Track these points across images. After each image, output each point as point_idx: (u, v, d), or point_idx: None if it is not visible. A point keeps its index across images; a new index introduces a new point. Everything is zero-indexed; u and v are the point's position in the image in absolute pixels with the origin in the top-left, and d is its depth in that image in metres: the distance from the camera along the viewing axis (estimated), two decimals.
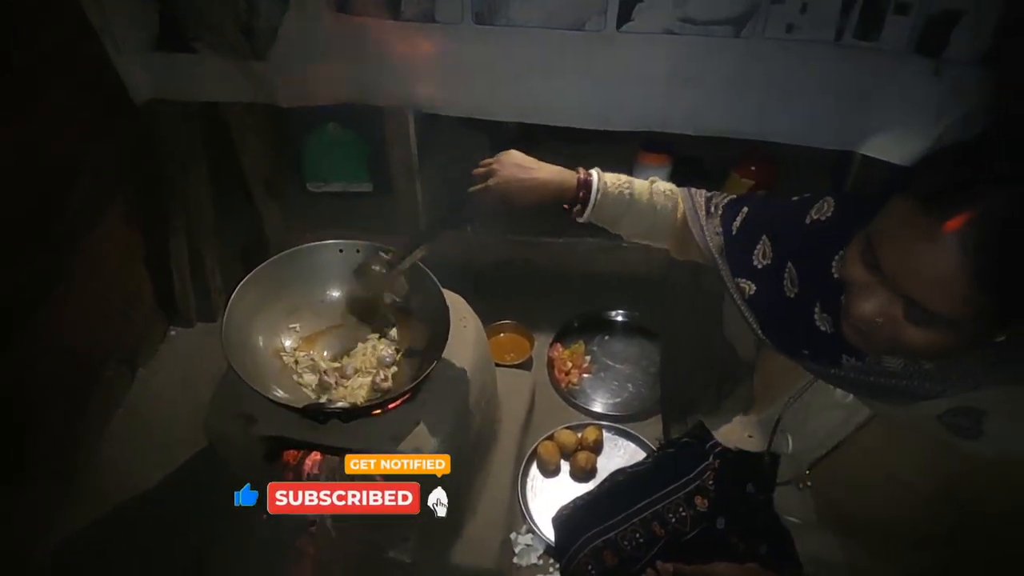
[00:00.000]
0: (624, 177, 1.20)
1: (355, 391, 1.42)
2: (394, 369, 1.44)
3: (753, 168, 2.00)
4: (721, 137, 1.65)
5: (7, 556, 1.64)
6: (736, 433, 1.30)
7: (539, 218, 2.13)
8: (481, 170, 1.27)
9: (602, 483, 1.42)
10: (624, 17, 1.51)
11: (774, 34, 1.50)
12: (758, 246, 1.06)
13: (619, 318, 2.18)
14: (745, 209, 1.11)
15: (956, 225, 0.69)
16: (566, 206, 1.20)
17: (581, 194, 1.18)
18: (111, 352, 1.92)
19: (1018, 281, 0.69)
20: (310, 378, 1.44)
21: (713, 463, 1.30)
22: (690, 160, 2.04)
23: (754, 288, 1.05)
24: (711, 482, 1.28)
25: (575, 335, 2.13)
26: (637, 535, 1.26)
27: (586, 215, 1.19)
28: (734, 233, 1.10)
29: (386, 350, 1.47)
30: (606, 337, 2.14)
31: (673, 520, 1.26)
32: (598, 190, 1.17)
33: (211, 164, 1.96)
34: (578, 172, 1.19)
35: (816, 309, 0.96)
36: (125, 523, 1.74)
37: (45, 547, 1.70)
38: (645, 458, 1.43)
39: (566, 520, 1.38)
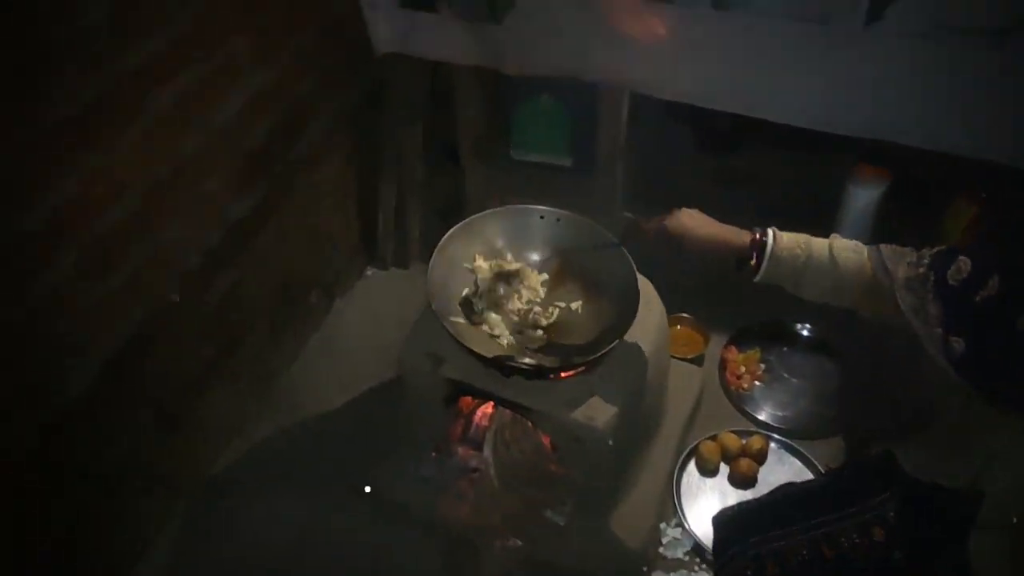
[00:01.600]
0: (803, 237, 1.21)
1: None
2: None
3: (984, 196, 1.84)
4: (954, 158, 1.53)
5: (206, 449, 1.85)
6: (932, 466, 1.22)
7: (738, 217, 2.09)
8: (652, 224, 1.33)
9: (772, 491, 1.37)
10: (875, 15, 1.43)
11: None
12: (985, 287, 0.99)
13: (802, 331, 2.08)
14: (963, 258, 1.03)
15: None
16: (739, 265, 1.24)
17: (755, 254, 1.21)
18: (315, 280, 2.10)
19: None
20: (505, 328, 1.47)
21: (896, 494, 1.23)
22: (912, 181, 1.90)
23: (963, 345, 0.99)
24: (892, 513, 1.21)
25: (753, 340, 2.07)
26: (804, 551, 1.21)
27: (759, 276, 1.22)
28: (950, 282, 1.03)
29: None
30: (785, 348, 2.06)
31: (845, 544, 1.20)
32: (772, 251, 1.19)
33: (429, 120, 2.07)
34: (753, 232, 1.23)
35: None
36: (306, 437, 1.89)
37: (238, 447, 1.88)
38: (818, 476, 1.37)
39: (730, 520, 1.35)
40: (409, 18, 1.77)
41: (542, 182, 2.23)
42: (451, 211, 2.03)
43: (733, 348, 2.04)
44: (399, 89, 1.97)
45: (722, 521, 1.37)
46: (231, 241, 1.70)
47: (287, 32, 1.70)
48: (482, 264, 1.52)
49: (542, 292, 1.54)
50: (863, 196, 1.91)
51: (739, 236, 1.25)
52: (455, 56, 1.80)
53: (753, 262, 1.22)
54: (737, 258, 1.25)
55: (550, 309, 1.51)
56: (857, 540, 1.20)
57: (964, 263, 1.03)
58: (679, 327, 2.08)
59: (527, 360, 1.39)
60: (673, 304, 2.03)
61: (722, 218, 1.40)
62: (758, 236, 1.22)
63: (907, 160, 1.70)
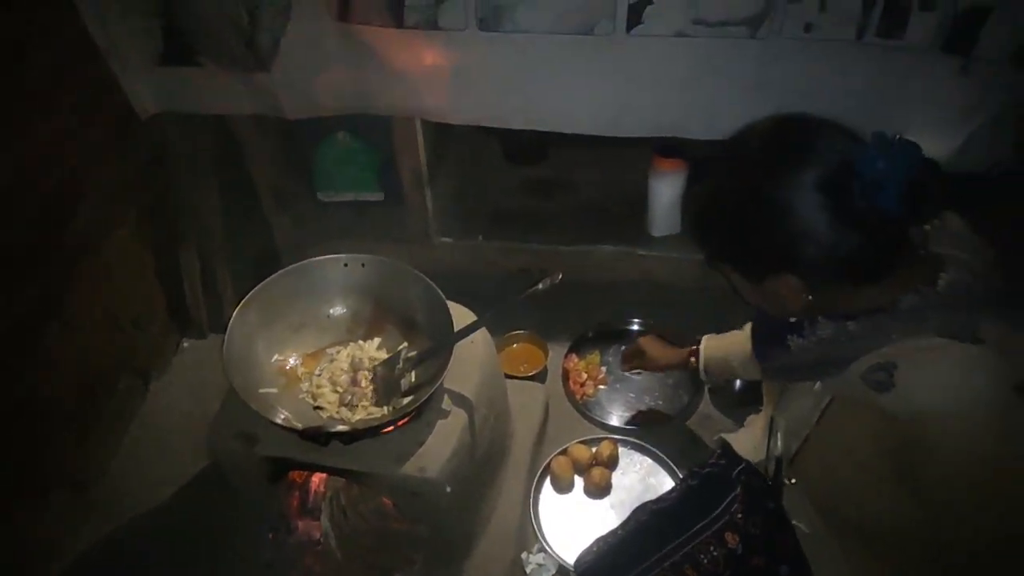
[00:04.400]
0: (728, 338, 1.51)
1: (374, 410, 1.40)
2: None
3: None
4: None
5: (26, 570, 1.64)
6: (746, 443, 1.27)
7: (556, 225, 2.11)
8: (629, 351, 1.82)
9: (626, 522, 1.35)
10: (634, 21, 1.45)
11: (792, 34, 1.43)
12: None
13: (636, 327, 2.12)
14: None
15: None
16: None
17: (694, 364, 1.58)
18: (124, 365, 1.92)
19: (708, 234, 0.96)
20: (332, 396, 1.42)
21: (739, 493, 1.25)
22: (707, 164, 1.97)
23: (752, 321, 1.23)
24: (739, 515, 1.23)
25: (590, 345, 2.08)
26: None
27: (705, 381, 1.67)
28: None
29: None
30: (622, 347, 2.07)
31: (705, 561, 1.19)
32: (702, 366, 1.57)
33: (221, 177, 1.95)
34: (690, 350, 1.60)
35: None
36: (137, 536, 1.73)
37: (62, 559, 1.70)
38: (669, 491, 1.38)
39: (590, 566, 1.32)
40: (173, 75, 1.65)
41: (358, 220, 2.15)
42: (265, 265, 1.91)
43: (573, 356, 2.04)
44: (177, 150, 1.83)
45: (583, 567, 1.34)
46: (9, 346, 1.52)
47: (35, 114, 1.53)
48: (325, 385, 1.44)
49: (383, 354, 1.48)
50: (664, 188, 1.96)
51: (680, 355, 1.63)
52: (229, 108, 1.70)
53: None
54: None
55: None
56: (715, 552, 1.20)
57: None
58: (516, 345, 2.06)
59: (340, 426, 1.32)
60: (506, 323, 2.03)
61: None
62: (692, 355, 1.59)
63: (698, 148, 1.76)
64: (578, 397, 1.96)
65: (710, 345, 1.56)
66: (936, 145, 1.47)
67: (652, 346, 1.73)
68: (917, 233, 0.91)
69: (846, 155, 0.83)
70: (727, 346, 1.52)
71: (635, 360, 1.78)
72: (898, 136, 0.83)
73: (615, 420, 1.91)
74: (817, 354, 0.95)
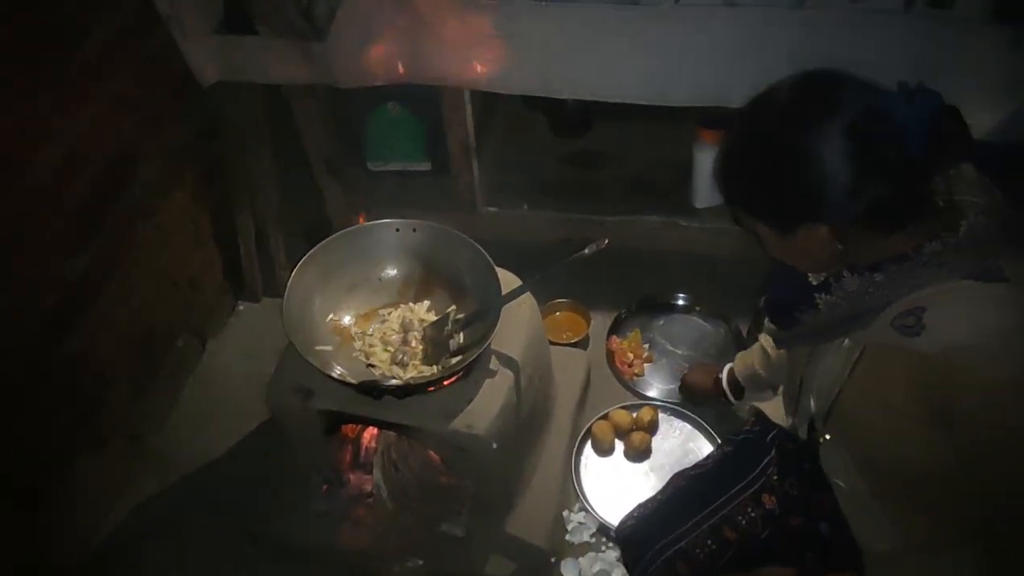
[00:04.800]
0: (749, 356, 1.57)
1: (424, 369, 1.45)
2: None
3: None
4: None
5: (85, 517, 1.74)
6: (779, 410, 1.29)
7: (599, 196, 2.13)
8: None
9: (664, 488, 1.39)
10: None
11: (839, 3, 1.43)
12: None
13: (675, 301, 2.13)
14: None
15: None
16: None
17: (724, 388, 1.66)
18: (181, 324, 2.01)
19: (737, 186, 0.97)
20: (384, 355, 1.47)
21: (774, 456, 1.28)
22: (737, 118, 1.97)
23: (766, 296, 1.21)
24: (775, 477, 1.26)
25: (630, 322, 2.10)
26: (709, 542, 1.24)
27: (734, 402, 1.68)
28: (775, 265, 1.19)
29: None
30: (662, 322, 2.10)
31: (743, 523, 1.24)
32: (726, 385, 1.65)
33: (276, 144, 2.01)
34: (717, 375, 1.69)
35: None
36: (192, 489, 1.82)
37: (120, 510, 1.79)
38: (705, 458, 1.41)
39: (632, 531, 1.36)
40: (229, 44, 1.70)
41: (405, 189, 2.21)
42: (317, 231, 1.97)
43: (614, 338, 2.06)
44: (235, 118, 1.89)
45: (625, 534, 1.38)
46: (72, 303, 1.60)
47: (96, 80, 1.59)
48: (377, 344, 1.49)
49: (432, 316, 1.52)
50: (707, 159, 1.96)
51: (712, 383, 1.72)
52: (284, 77, 1.74)
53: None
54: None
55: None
56: (753, 514, 1.24)
57: None
58: (559, 313, 2.10)
59: (394, 380, 1.37)
60: (549, 291, 2.07)
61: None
62: (719, 380, 1.67)
63: None
64: (628, 377, 1.97)
65: (736, 367, 1.62)
66: (984, 116, 1.46)
67: (694, 376, 1.82)
68: (940, 181, 0.93)
69: (871, 102, 0.84)
70: (747, 359, 1.57)
71: (683, 394, 1.89)
72: (920, 82, 0.84)
73: (657, 394, 1.94)
74: (846, 308, 0.97)
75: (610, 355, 2.03)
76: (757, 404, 1.42)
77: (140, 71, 1.70)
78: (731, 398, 1.65)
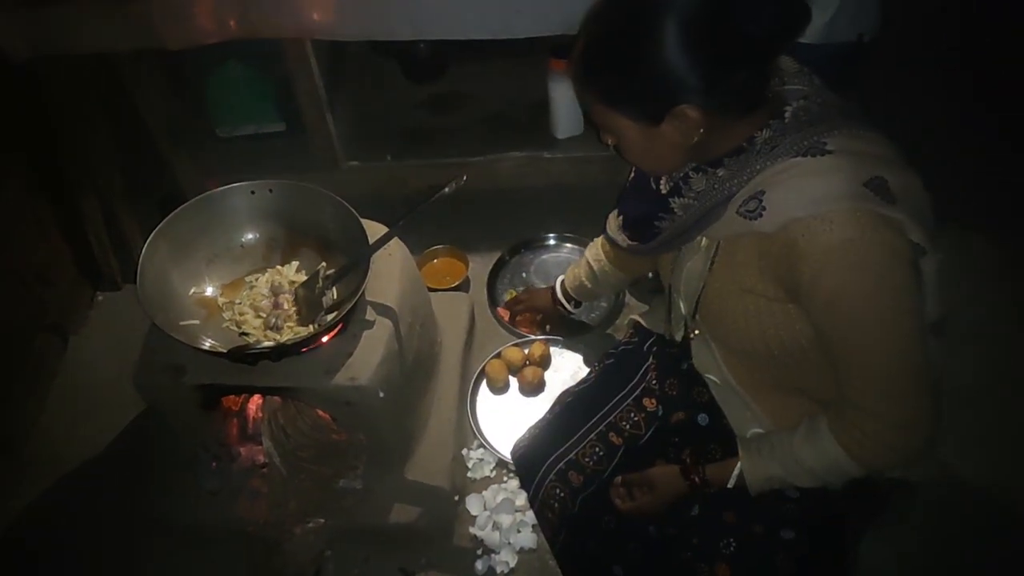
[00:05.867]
0: (574, 265, 1.64)
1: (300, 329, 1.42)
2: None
3: None
4: None
5: None
6: (656, 319, 1.35)
7: (462, 138, 2.12)
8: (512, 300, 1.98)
9: (552, 407, 1.43)
10: None
11: None
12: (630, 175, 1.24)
13: (546, 240, 2.17)
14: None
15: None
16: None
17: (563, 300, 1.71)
18: (36, 322, 1.88)
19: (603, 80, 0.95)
20: (256, 322, 1.43)
21: (652, 362, 1.34)
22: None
23: (622, 216, 1.26)
24: (654, 381, 1.32)
25: (509, 274, 2.11)
26: (597, 449, 1.29)
27: (571, 308, 1.73)
28: (626, 186, 1.25)
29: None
30: (536, 262, 2.13)
31: (627, 427, 1.30)
32: (561, 293, 1.70)
33: (111, 118, 1.88)
34: (555, 295, 1.72)
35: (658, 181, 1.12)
36: (75, 490, 1.74)
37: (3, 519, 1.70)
38: (588, 373, 1.46)
39: (524, 451, 1.39)
40: (40, 15, 1.56)
41: (260, 152, 2.12)
42: (169, 207, 1.87)
43: (500, 310, 2.02)
44: (58, 94, 1.75)
45: (519, 454, 1.41)
46: None
47: None
48: (247, 312, 1.44)
49: (302, 276, 1.48)
50: (563, 89, 1.98)
51: (550, 297, 1.76)
52: (104, 45, 1.62)
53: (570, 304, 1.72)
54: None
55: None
56: (635, 417, 1.30)
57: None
58: (436, 260, 2.10)
59: (266, 343, 1.34)
60: (425, 240, 2.06)
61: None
62: (555, 291, 1.73)
63: None
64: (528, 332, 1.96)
65: (566, 279, 1.68)
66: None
67: (532, 297, 1.87)
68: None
69: None
70: (575, 271, 1.63)
71: (520, 312, 1.94)
72: None
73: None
74: (697, 208, 1.02)
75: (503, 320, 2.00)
76: (635, 317, 1.48)
77: None
78: (567, 307, 1.71)
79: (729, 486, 1.09)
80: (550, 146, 2.09)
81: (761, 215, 0.92)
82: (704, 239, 1.06)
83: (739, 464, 1.09)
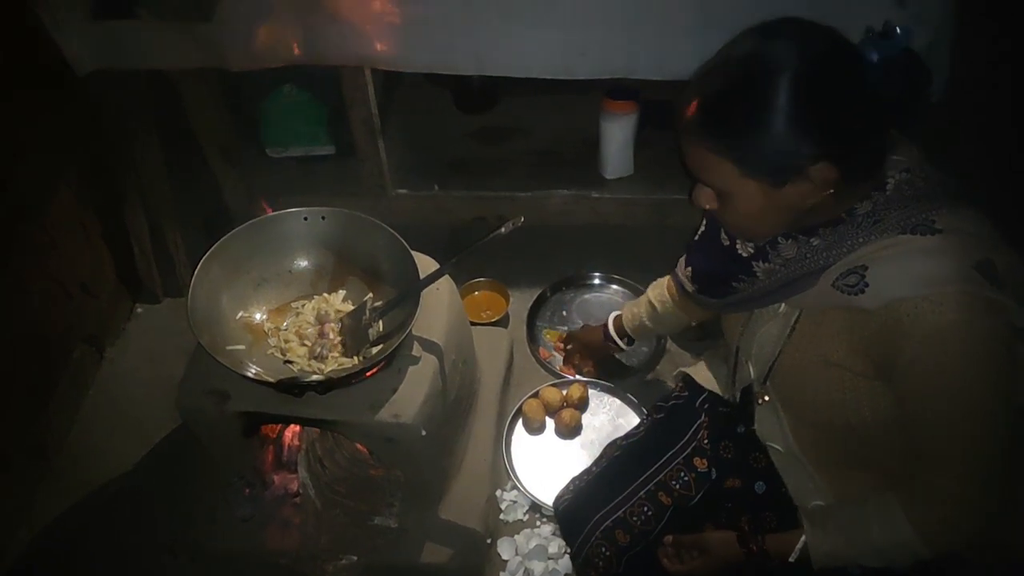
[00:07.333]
0: (639, 305, 1.57)
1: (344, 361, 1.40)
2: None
3: None
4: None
5: None
6: (707, 374, 1.32)
7: (510, 172, 2.11)
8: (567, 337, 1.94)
9: (598, 460, 1.40)
10: None
11: None
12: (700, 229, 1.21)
13: (591, 280, 2.14)
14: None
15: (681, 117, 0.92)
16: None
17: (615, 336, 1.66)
18: (75, 333, 1.88)
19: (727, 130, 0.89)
20: (301, 350, 1.41)
21: (704, 420, 1.31)
22: (658, 105, 2.00)
23: (691, 268, 1.23)
24: (706, 441, 1.29)
25: (550, 311, 2.08)
26: (645, 508, 1.26)
27: (624, 345, 1.67)
28: (695, 239, 1.22)
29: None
30: (585, 296, 2.11)
31: (677, 487, 1.26)
32: (614, 329, 1.65)
33: (165, 134, 1.88)
34: (606, 329, 1.68)
35: (737, 242, 1.08)
36: (103, 505, 1.72)
37: (25, 531, 1.68)
38: (637, 426, 1.43)
39: (569, 505, 1.36)
40: (107, 30, 1.58)
41: (309, 175, 2.12)
42: (216, 225, 1.88)
43: (543, 350, 2.00)
44: (116, 107, 1.76)
45: (563, 507, 1.38)
46: None
47: None
48: (292, 339, 1.43)
49: (348, 306, 1.47)
50: (615, 130, 1.98)
51: (602, 334, 1.71)
52: (168, 62, 1.63)
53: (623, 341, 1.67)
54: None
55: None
56: (686, 477, 1.27)
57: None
58: (477, 293, 2.08)
59: (315, 376, 1.32)
60: (466, 271, 2.04)
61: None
62: (607, 328, 1.67)
63: (649, 89, 1.78)
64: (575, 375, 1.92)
65: (624, 316, 1.62)
66: None
67: (582, 333, 1.84)
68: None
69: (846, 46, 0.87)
70: (635, 310, 1.58)
71: (574, 361, 1.90)
72: (886, 23, 0.87)
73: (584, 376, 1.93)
74: (784, 275, 0.99)
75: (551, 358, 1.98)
76: (685, 370, 1.45)
77: (11, 60, 1.56)
78: (619, 343, 1.66)
79: (791, 559, 1.05)
80: (598, 185, 2.08)
81: (863, 291, 0.89)
82: (783, 305, 1.03)
83: (803, 537, 1.05)
